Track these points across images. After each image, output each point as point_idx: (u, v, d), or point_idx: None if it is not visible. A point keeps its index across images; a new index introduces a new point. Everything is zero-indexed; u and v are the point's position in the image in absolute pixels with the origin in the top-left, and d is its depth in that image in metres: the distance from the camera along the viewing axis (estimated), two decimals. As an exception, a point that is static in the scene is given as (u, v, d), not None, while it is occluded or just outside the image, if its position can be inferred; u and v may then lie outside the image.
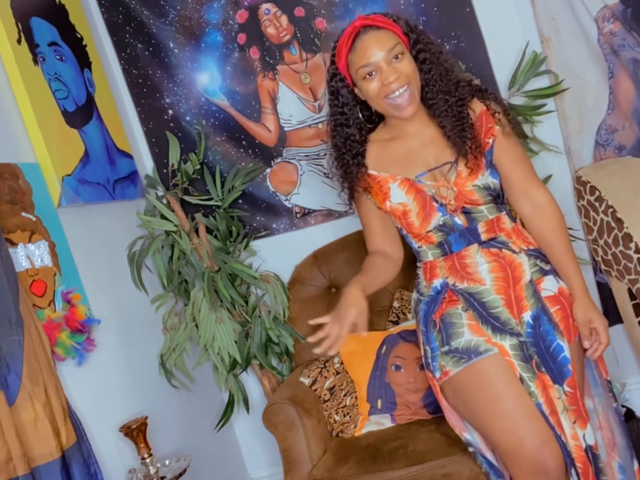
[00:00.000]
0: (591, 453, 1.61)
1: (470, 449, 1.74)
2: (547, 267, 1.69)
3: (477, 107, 1.68)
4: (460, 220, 1.66)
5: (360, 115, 1.72)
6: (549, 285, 1.66)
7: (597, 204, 2.24)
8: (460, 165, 1.64)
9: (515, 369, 1.57)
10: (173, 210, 2.50)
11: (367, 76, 1.61)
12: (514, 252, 1.66)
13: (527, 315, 1.62)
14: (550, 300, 1.65)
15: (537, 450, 1.53)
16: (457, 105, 1.65)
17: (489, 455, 1.69)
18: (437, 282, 1.70)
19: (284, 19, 2.54)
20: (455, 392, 1.64)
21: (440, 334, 1.65)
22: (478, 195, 1.64)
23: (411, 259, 1.83)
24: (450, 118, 1.64)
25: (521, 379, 1.57)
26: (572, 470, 1.57)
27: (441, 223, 1.67)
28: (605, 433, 1.68)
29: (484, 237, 1.66)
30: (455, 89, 1.66)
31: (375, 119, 1.78)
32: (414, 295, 1.79)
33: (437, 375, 1.65)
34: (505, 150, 1.67)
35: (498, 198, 1.69)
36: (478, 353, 1.59)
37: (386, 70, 1.59)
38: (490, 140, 1.66)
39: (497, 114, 1.67)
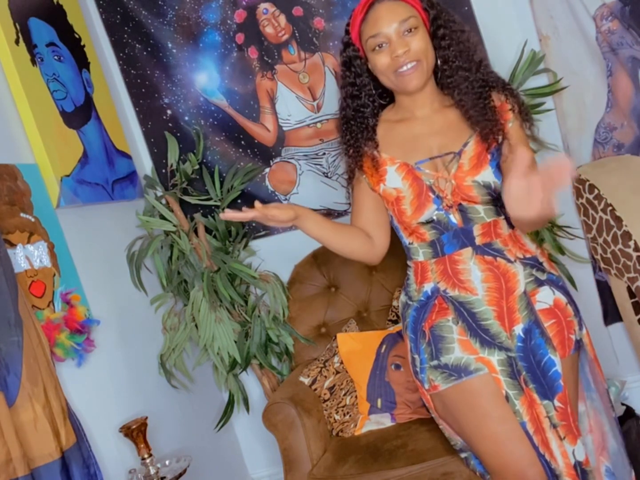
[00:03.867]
0: (580, 469, 1.56)
1: (463, 455, 1.74)
2: (543, 277, 1.63)
3: (495, 99, 1.63)
4: (455, 218, 1.60)
5: (372, 88, 1.67)
6: (544, 297, 1.60)
7: (596, 202, 2.24)
8: (464, 158, 1.59)
9: (502, 387, 1.54)
10: (172, 211, 2.50)
11: (377, 48, 1.57)
12: (509, 261, 1.59)
13: (518, 329, 1.57)
14: (545, 313, 1.59)
15: (522, 472, 1.52)
16: (479, 86, 1.60)
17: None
18: (427, 287, 1.65)
19: (282, 19, 2.54)
20: (444, 406, 1.63)
21: (429, 347, 1.61)
22: (476, 192, 1.57)
23: (410, 258, 1.82)
24: (471, 95, 1.59)
25: (507, 397, 1.54)
26: None
27: (435, 219, 1.60)
28: (596, 437, 1.66)
29: (478, 240, 1.60)
30: (476, 68, 1.60)
31: (386, 98, 1.73)
32: (402, 297, 1.74)
33: (426, 386, 1.63)
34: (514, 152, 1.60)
35: (497, 201, 1.61)
36: (468, 372, 1.55)
37: (395, 43, 1.54)
38: (500, 138, 1.60)
39: (512, 111, 1.62)
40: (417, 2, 1.59)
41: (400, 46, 1.54)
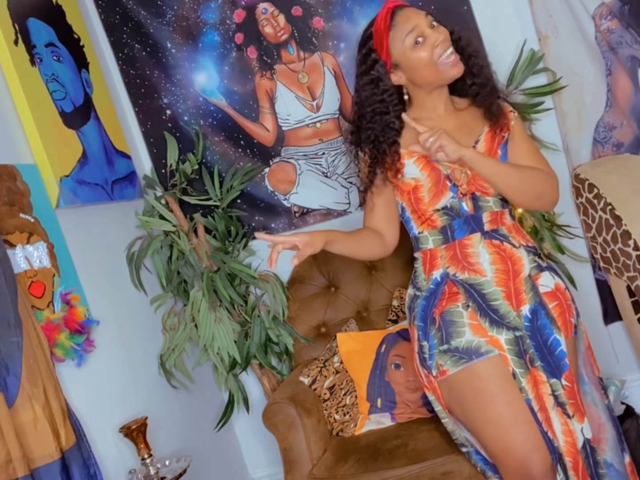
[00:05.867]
0: (589, 446, 1.63)
1: (464, 449, 1.75)
2: (544, 264, 1.73)
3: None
4: (467, 206, 1.69)
5: (398, 102, 1.72)
6: (546, 282, 1.70)
7: (595, 202, 2.24)
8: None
9: (509, 364, 1.59)
10: (172, 211, 2.50)
11: (415, 44, 1.64)
12: (514, 246, 1.69)
13: (525, 309, 1.65)
14: (548, 296, 1.68)
15: (524, 458, 1.54)
16: (490, 78, 1.73)
17: (483, 452, 1.70)
18: (437, 274, 1.71)
19: (281, 19, 2.54)
20: (450, 392, 1.65)
21: (439, 332, 1.65)
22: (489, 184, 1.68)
23: (410, 256, 1.83)
24: (487, 87, 1.71)
25: (514, 374, 1.59)
26: (559, 467, 1.59)
27: (449, 206, 1.69)
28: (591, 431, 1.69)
29: (487, 227, 1.69)
30: (486, 64, 1.74)
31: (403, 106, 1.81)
32: (410, 291, 1.79)
33: (434, 373, 1.66)
34: (519, 145, 1.73)
35: None
36: (479, 354, 1.60)
37: (431, 34, 1.63)
38: (506, 135, 1.72)
39: (513, 112, 1.75)
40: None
41: (436, 35, 1.63)
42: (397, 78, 1.70)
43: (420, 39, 1.63)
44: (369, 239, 1.76)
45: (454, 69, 1.65)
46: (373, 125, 1.72)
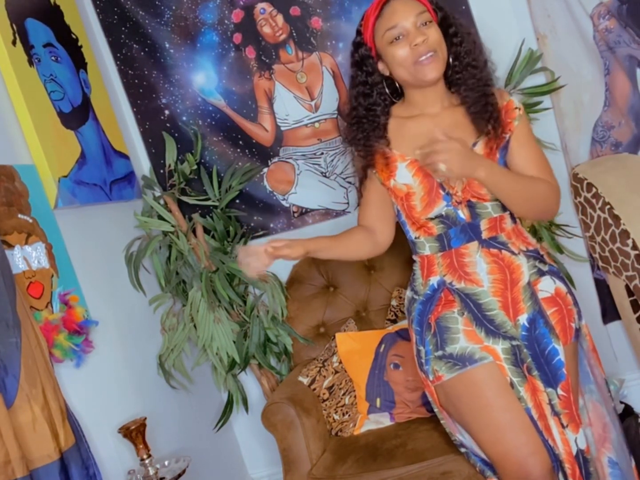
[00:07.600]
0: (582, 457, 1.60)
1: (463, 450, 1.75)
2: (545, 268, 1.68)
3: (500, 99, 1.66)
4: (463, 214, 1.63)
5: (384, 86, 1.68)
6: (546, 286, 1.65)
7: (594, 201, 2.24)
8: None
9: (506, 374, 1.57)
10: (170, 211, 2.50)
11: (394, 40, 1.58)
12: (513, 253, 1.64)
13: (523, 318, 1.61)
14: (547, 301, 1.64)
15: (522, 462, 1.53)
16: (483, 84, 1.63)
17: (482, 453, 1.69)
18: (434, 280, 1.68)
19: (279, 18, 2.54)
20: (446, 397, 1.65)
21: (434, 338, 1.64)
22: (486, 190, 1.61)
23: (408, 256, 1.82)
24: (475, 92, 1.62)
25: (511, 384, 1.57)
26: (560, 474, 1.57)
27: (444, 214, 1.64)
28: (596, 429, 1.69)
29: (485, 234, 1.64)
30: (483, 66, 1.65)
31: (396, 97, 1.75)
32: (408, 293, 1.77)
33: (431, 378, 1.65)
34: (522, 149, 1.65)
35: None
36: (473, 361, 1.58)
37: (414, 33, 1.56)
38: (507, 136, 1.64)
39: (518, 110, 1.66)
40: (428, 3, 1.62)
41: (419, 36, 1.56)
42: (382, 67, 1.66)
43: (401, 37, 1.57)
44: (357, 240, 1.73)
45: (430, 73, 1.58)
46: (357, 107, 1.68)
